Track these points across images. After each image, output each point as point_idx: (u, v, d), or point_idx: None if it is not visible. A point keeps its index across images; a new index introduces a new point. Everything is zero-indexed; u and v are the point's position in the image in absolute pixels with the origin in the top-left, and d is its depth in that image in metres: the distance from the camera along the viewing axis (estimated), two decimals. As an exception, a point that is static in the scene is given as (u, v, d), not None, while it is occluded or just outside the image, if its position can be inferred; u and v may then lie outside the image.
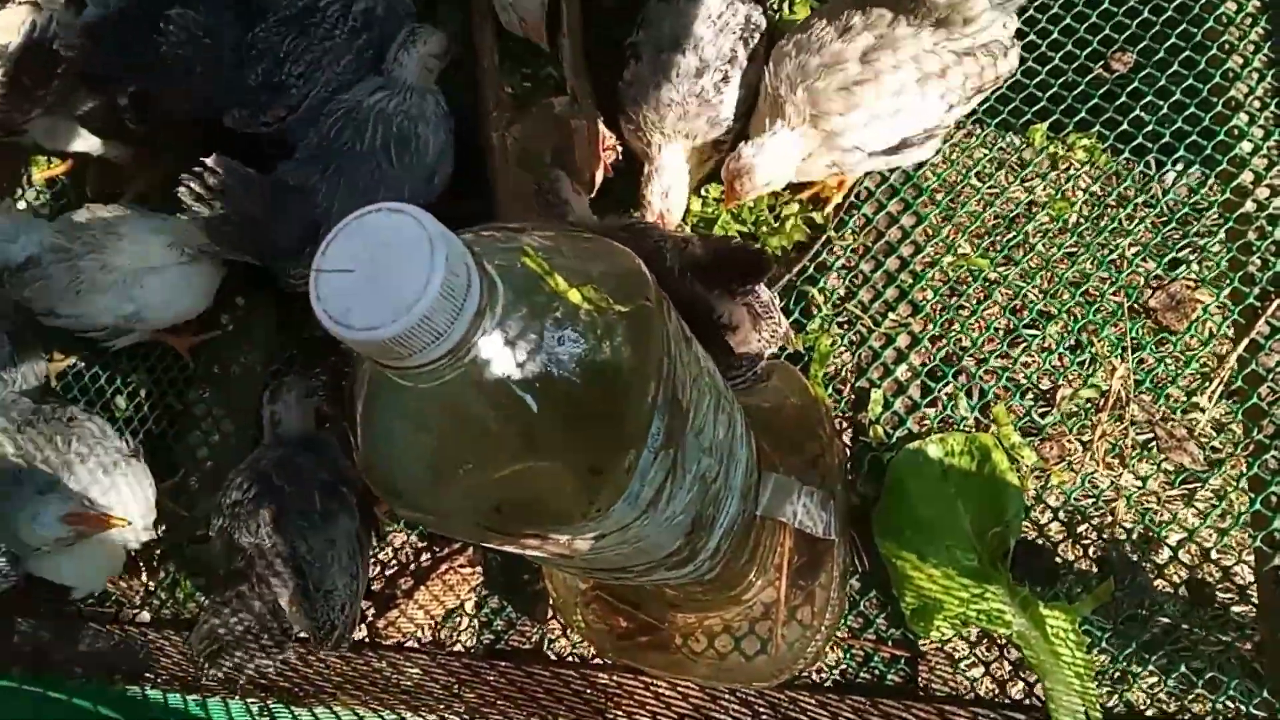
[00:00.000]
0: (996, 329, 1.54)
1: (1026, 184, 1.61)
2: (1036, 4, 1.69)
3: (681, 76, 1.43)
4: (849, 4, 1.39)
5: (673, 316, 0.75)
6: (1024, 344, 1.52)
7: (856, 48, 1.35)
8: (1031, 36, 1.67)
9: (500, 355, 0.58)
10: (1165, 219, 1.56)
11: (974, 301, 1.56)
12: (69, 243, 1.56)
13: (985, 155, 1.64)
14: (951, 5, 1.30)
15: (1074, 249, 1.56)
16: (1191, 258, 1.53)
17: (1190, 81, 1.61)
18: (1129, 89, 1.62)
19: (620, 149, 1.57)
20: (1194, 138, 1.58)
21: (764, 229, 1.61)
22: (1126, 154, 1.60)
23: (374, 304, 0.51)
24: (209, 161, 1.41)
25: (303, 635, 1.43)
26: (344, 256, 0.53)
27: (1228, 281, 1.50)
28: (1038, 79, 1.65)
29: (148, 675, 1.60)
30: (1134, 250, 1.55)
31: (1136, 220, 1.56)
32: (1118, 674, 1.36)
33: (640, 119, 1.47)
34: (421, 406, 0.61)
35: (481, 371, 0.58)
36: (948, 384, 1.52)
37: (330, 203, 1.49)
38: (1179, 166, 1.58)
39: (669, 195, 1.46)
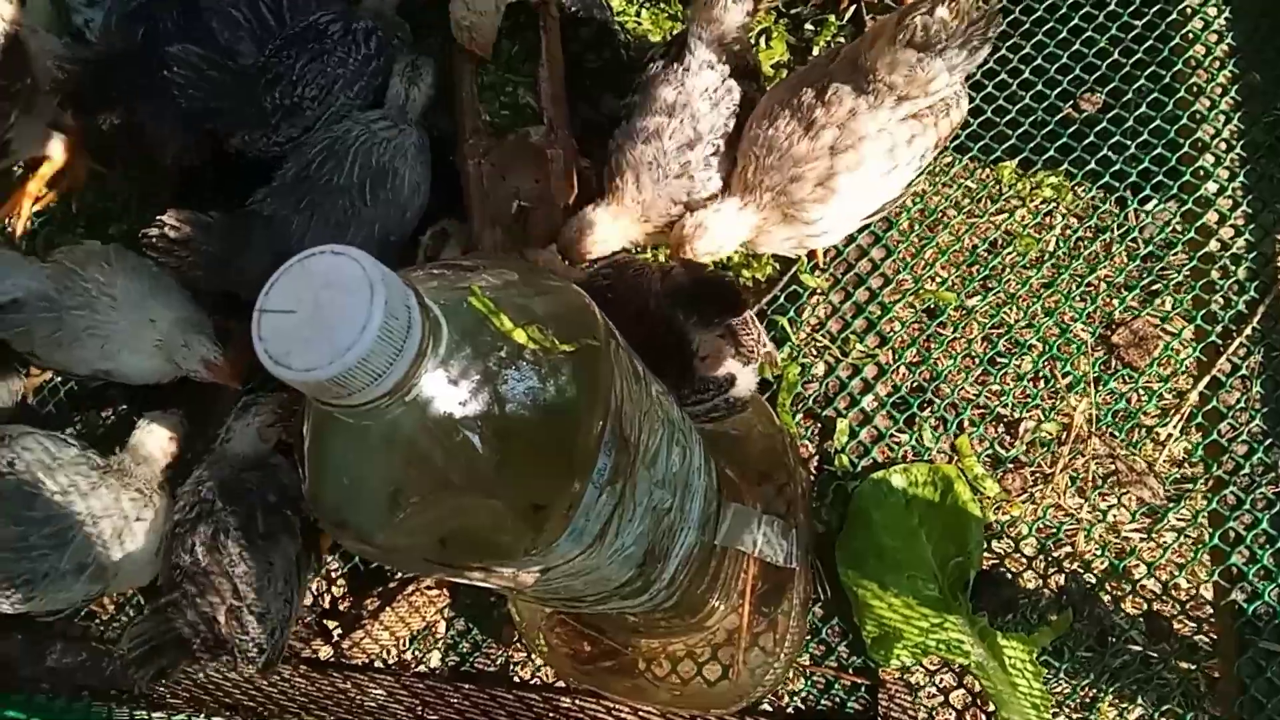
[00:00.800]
0: (962, 361, 1.56)
1: (992, 218, 1.64)
2: (1009, 43, 1.72)
3: (673, 143, 1.43)
4: (806, 82, 1.37)
5: (622, 354, 0.77)
6: (990, 377, 1.54)
7: (823, 144, 1.34)
8: (1003, 75, 1.70)
9: (443, 394, 0.60)
10: (1139, 251, 1.59)
11: (940, 333, 1.58)
12: (57, 292, 1.52)
13: (954, 190, 1.66)
14: (910, 82, 1.29)
15: (1046, 280, 1.59)
16: (1165, 291, 1.56)
17: (1158, 122, 1.64)
18: (1097, 129, 1.65)
19: (594, 180, 1.58)
20: (1160, 177, 1.61)
21: (736, 259, 1.63)
22: (1094, 191, 1.62)
23: (313, 345, 0.52)
24: (165, 218, 1.46)
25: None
26: (287, 298, 0.54)
27: (1191, 319, 1.53)
28: (1008, 117, 1.68)
29: (114, 693, 1.60)
30: (1107, 280, 1.58)
31: (1111, 252, 1.59)
32: (1080, 703, 1.38)
33: (617, 166, 1.47)
34: (366, 442, 0.63)
35: (424, 409, 0.59)
36: (913, 415, 1.54)
37: (303, 234, 1.51)
38: (1153, 203, 1.60)
39: (587, 234, 1.46)
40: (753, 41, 1.53)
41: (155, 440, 1.55)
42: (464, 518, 0.66)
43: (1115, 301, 1.56)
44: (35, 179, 1.87)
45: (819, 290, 1.63)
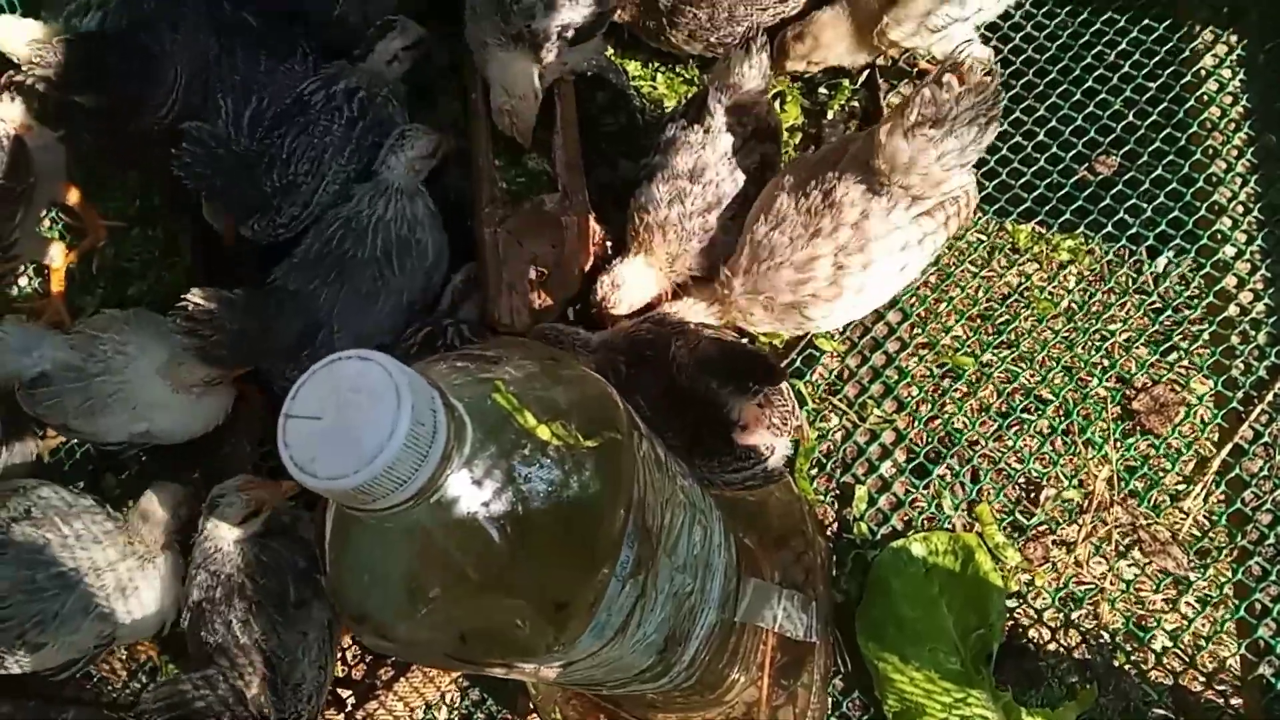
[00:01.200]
0: (981, 426, 1.55)
1: (1009, 281, 1.63)
2: (1023, 106, 1.72)
3: (692, 207, 1.45)
4: (815, 176, 1.35)
5: (644, 443, 0.76)
6: (1009, 441, 1.53)
7: (829, 252, 1.33)
8: (1017, 138, 1.70)
9: (466, 494, 0.59)
10: (1158, 316, 1.58)
11: (958, 397, 1.57)
12: (82, 361, 1.53)
13: (971, 253, 1.66)
14: (925, 179, 1.27)
15: (1064, 341, 1.58)
16: (1184, 356, 1.55)
17: (1174, 185, 1.64)
18: (1113, 191, 1.65)
19: (610, 244, 1.59)
20: (1178, 241, 1.60)
21: (752, 322, 1.63)
22: (1110, 255, 1.62)
23: (339, 453, 0.52)
24: (191, 296, 1.45)
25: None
26: (313, 403, 0.53)
27: (1212, 384, 1.52)
28: (1023, 180, 1.68)
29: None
30: (1125, 344, 1.57)
31: (1128, 315, 1.58)
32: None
33: (640, 226, 1.49)
34: (388, 539, 0.62)
35: (447, 509, 0.59)
36: (931, 482, 1.52)
37: (333, 306, 1.51)
38: (1169, 265, 1.60)
39: (619, 289, 1.49)
40: (772, 102, 1.54)
41: (156, 507, 1.55)
42: (486, 615, 0.65)
43: (1134, 365, 1.55)
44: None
45: (835, 354, 1.62)
